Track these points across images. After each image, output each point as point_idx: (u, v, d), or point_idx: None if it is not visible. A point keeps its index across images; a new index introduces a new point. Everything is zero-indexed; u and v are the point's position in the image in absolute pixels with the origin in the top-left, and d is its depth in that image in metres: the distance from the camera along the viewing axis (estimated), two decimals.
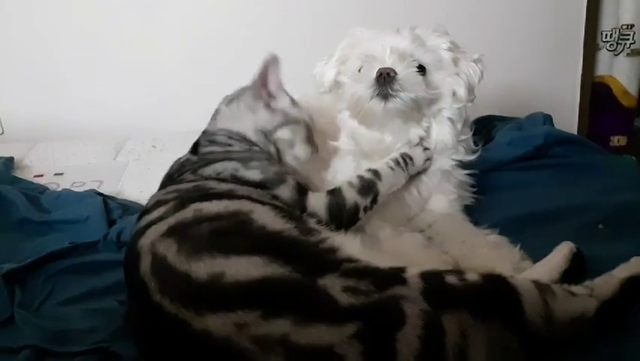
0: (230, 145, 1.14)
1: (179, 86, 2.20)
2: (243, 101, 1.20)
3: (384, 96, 1.13)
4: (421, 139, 1.21)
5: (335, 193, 1.08)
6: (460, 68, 1.20)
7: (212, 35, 2.18)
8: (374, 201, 1.11)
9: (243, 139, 1.16)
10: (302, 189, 1.07)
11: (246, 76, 2.10)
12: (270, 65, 1.19)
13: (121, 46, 2.15)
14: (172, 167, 1.15)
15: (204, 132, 1.22)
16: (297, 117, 1.20)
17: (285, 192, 1.04)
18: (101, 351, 0.96)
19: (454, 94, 1.20)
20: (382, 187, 1.12)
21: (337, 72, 1.25)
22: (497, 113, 1.81)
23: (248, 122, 1.18)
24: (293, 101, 1.21)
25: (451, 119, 1.21)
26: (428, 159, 1.22)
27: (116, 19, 2.13)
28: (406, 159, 1.18)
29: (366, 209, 1.10)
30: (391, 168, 1.16)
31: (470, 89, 1.21)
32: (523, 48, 2.27)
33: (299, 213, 1.01)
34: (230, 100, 1.23)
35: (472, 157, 1.27)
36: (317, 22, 2.16)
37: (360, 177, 1.12)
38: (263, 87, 1.19)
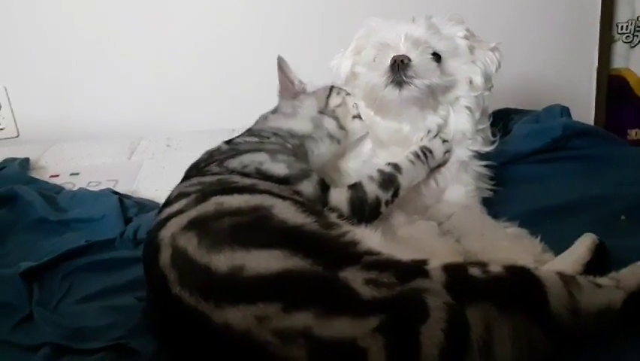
0: (268, 138, 1.15)
1: (192, 85, 2.20)
2: (283, 106, 1.25)
3: (399, 83, 1.12)
4: (439, 131, 1.20)
5: (356, 188, 1.08)
6: (476, 55, 1.19)
7: (226, 34, 2.18)
8: (395, 195, 1.10)
9: (290, 135, 1.17)
10: (324, 185, 1.07)
11: (260, 75, 2.10)
12: (284, 66, 1.25)
13: (134, 46, 2.15)
14: (201, 156, 1.15)
15: (249, 129, 1.25)
16: (332, 85, 1.26)
17: (308, 187, 1.04)
18: (119, 348, 0.96)
19: (470, 82, 1.19)
20: (403, 181, 1.12)
21: (353, 63, 1.25)
22: (513, 107, 1.79)
23: (304, 115, 1.22)
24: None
25: (469, 108, 1.19)
26: (447, 151, 1.21)
27: (128, 19, 2.13)
28: (425, 153, 1.17)
29: (387, 203, 1.09)
30: (412, 161, 1.15)
31: (487, 78, 1.20)
32: (537, 41, 2.24)
33: (320, 207, 1.00)
34: (274, 110, 1.27)
35: (489, 148, 1.26)
36: (329, 17, 2.16)
37: (381, 171, 1.11)
38: (291, 85, 1.25)
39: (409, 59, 1.11)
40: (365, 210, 1.06)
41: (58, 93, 2.19)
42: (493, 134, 1.28)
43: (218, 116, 2.04)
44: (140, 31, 2.14)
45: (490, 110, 1.37)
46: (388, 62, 1.12)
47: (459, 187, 1.24)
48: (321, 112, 1.22)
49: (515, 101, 1.84)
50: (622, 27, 2.35)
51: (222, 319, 0.71)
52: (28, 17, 2.10)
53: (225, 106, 2.14)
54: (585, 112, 2.32)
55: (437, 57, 1.16)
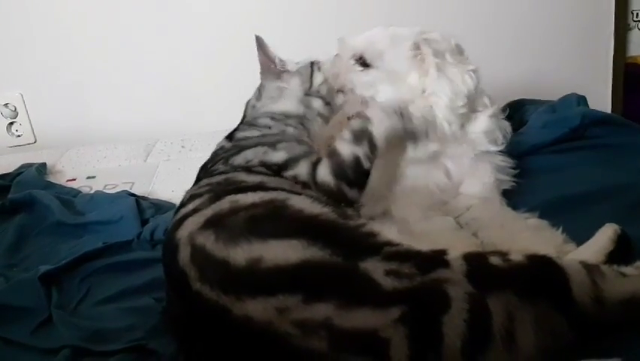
0: (268, 127, 1.14)
1: (206, 86, 2.20)
2: (268, 89, 1.23)
3: None
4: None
5: (332, 154, 1.02)
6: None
7: (239, 35, 2.15)
8: (372, 147, 1.02)
9: (285, 117, 1.16)
10: (316, 162, 1.03)
11: None
12: (263, 44, 1.27)
13: (147, 49, 2.16)
14: (209, 157, 1.15)
15: (244, 121, 1.24)
16: (312, 60, 1.25)
17: (304, 166, 1.01)
18: (138, 349, 0.96)
19: None
20: (376, 129, 1.03)
21: None
22: (528, 97, 1.77)
23: (291, 97, 1.20)
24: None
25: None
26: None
27: (141, 23, 2.14)
28: (402, 111, 1.09)
29: (368, 158, 1.02)
30: (384, 110, 1.07)
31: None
32: (551, 31, 2.22)
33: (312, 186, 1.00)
34: (256, 97, 1.26)
35: (496, 148, 1.23)
36: (343, 18, 2.14)
37: (349, 128, 1.05)
38: (272, 63, 1.24)
39: None
40: (348, 173, 1.00)
41: (73, 99, 2.21)
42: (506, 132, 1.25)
43: (232, 117, 2.03)
44: (153, 34, 2.15)
45: (504, 103, 1.35)
46: None
47: (475, 181, 1.22)
48: (307, 94, 1.20)
49: (530, 92, 1.81)
50: (637, 14, 2.33)
51: (243, 312, 0.71)
52: (43, 24, 2.12)
53: (239, 107, 2.14)
54: (601, 101, 2.28)
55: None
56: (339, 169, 1.00)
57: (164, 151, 1.92)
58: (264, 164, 1.03)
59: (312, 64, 1.23)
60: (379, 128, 1.04)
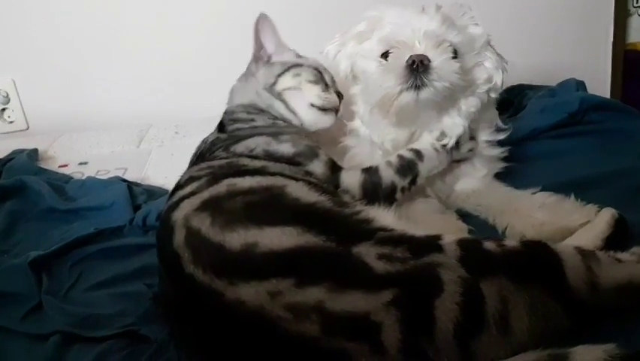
0: (252, 120, 1.14)
1: (199, 72, 2.17)
2: (247, 71, 1.24)
3: (417, 87, 1.01)
4: (469, 128, 1.13)
5: (370, 172, 1.05)
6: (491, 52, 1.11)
7: (232, 20, 2.14)
8: (413, 182, 1.07)
9: (260, 110, 1.16)
10: (335, 166, 1.05)
11: None
12: (261, 25, 1.21)
13: (140, 34, 2.14)
14: (200, 146, 1.15)
15: (225, 112, 1.24)
16: (299, 62, 1.20)
17: (319, 167, 1.03)
18: (130, 334, 0.95)
19: (490, 81, 1.11)
20: (423, 168, 1.08)
21: (352, 61, 1.14)
22: (526, 83, 1.76)
23: (252, 87, 1.20)
24: (298, 55, 1.22)
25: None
26: (471, 150, 1.16)
27: (135, 7, 2.11)
28: (454, 145, 1.12)
29: (404, 190, 1.06)
30: (436, 149, 1.09)
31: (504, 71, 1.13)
32: (551, 16, 2.20)
33: (333, 188, 1.00)
34: (241, 76, 1.26)
35: (501, 137, 1.21)
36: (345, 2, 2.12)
37: (400, 157, 1.07)
38: (260, 49, 1.22)
39: (429, 60, 1.00)
40: (379, 195, 1.02)
41: (66, 84, 2.18)
42: (504, 122, 1.23)
43: (225, 103, 2.02)
44: (147, 19, 2.12)
45: (503, 88, 1.33)
46: (404, 63, 1.01)
47: (469, 179, 1.20)
48: (266, 89, 1.19)
49: (529, 78, 1.80)
50: (637, 0, 2.31)
51: (235, 296, 0.71)
52: (34, 10, 2.09)
53: None
54: (600, 87, 2.27)
55: (455, 53, 1.06)
56: (372, 189, 1.03)
57: (158, 137, 1.90)
58: (269, 154, 1.03)
59: (290, 66, 1.20)
60: (426, 168, 1.08)
